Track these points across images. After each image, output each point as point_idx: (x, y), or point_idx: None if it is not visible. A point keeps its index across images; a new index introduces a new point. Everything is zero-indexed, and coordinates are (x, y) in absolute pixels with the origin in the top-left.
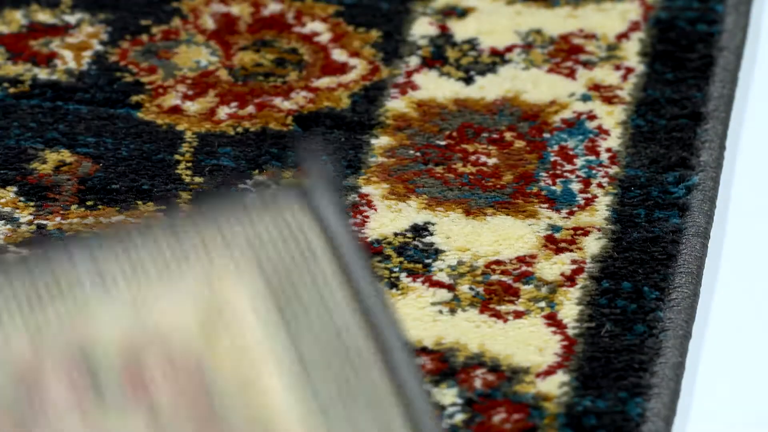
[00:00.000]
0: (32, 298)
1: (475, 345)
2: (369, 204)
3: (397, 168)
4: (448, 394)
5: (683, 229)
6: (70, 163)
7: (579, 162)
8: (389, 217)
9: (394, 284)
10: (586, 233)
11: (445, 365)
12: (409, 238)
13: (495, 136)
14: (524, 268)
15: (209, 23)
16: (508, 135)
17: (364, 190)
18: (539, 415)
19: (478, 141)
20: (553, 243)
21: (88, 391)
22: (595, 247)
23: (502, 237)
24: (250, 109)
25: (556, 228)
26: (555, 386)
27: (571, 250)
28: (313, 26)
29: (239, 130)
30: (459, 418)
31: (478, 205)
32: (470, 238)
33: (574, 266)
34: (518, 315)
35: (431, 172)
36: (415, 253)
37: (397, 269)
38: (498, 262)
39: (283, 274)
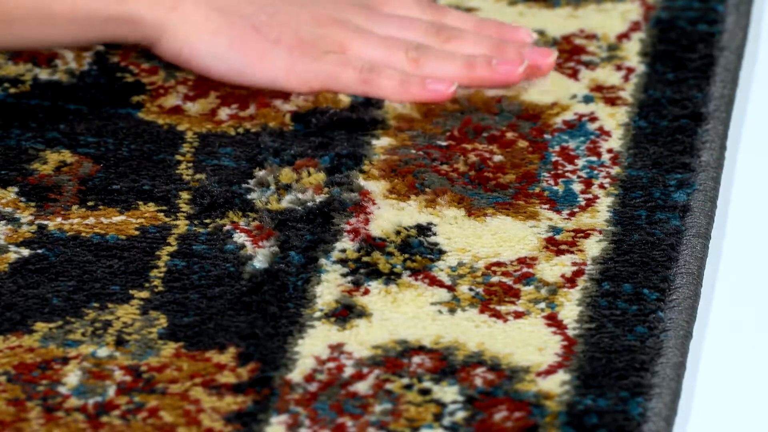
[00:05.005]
0: None
1: (475, 344)
2: (372, 201)
3: (399, 162)
4: (448, 392)
5: (684, 230)
6: (71, 164)
7: (580, 162)
8: (391, 213)
9: (394, 282)
10: (586, 235)
11: (444, 363)
12: (411, 235)
13: (496, 132)
14: (525, 269)
15: None
16: (509, 134)
17: (366, 187)
18: (540, 413)
19: (478, 141)
20: (554, 245)
21: None
22: (595, 250)
23: (503, 239)
24: (251, 110)
25: (556, 230)
26: (556, 385)
27: (572, 252)
28: None
29: (240, 130)
30: (460, 415)
31: (479, 205)
32: (471, 240)
33: (574, 268)
34: (518, 315)
35: (434, 168)
36: (415, 251)
37: (399, 266)
38: (498, 264)
39: None
